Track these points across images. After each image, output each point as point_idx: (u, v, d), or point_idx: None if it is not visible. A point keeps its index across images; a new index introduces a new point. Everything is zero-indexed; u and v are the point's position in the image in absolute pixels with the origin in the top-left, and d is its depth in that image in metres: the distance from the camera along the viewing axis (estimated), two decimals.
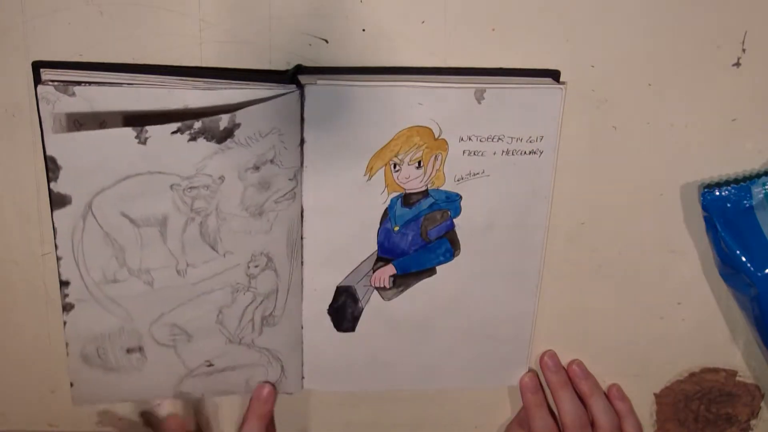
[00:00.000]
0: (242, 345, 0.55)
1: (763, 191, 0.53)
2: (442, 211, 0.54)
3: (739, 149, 0.54)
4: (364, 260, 0.55)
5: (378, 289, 0.56)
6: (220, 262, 0.52)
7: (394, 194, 0.53)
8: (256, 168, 0.49)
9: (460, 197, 0.53)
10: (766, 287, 0.52)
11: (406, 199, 0.53)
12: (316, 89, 0.49)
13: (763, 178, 0.53)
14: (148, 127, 0.46)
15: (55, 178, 0.47)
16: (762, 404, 0.62)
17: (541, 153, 0.52)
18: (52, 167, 0.47)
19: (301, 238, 0.53)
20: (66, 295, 0.51)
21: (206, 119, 0.47)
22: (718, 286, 0.57)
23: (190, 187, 0.49)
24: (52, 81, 0.47)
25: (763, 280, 0.52)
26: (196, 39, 0.50)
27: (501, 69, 0.51)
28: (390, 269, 0.55)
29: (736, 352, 0.60)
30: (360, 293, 0.56)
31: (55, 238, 0.49)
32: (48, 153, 0.47)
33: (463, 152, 0.52)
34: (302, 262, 0.54)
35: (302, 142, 0.50)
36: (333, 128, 0.50)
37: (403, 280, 0.56)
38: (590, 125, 0.53)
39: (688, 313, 0.58)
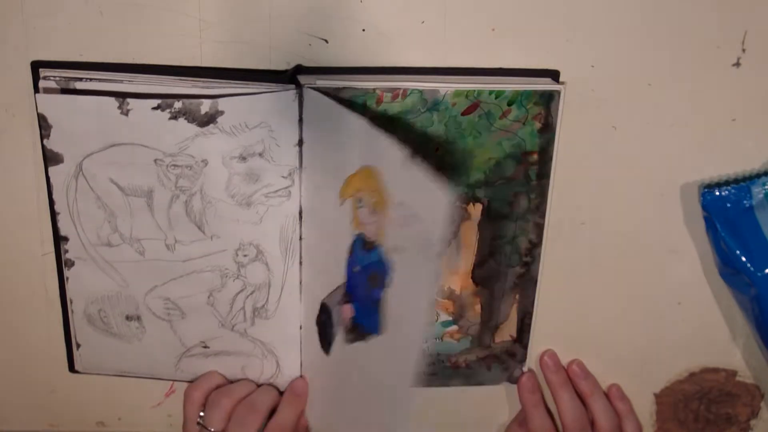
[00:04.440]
0: (235, 332, 0.56)
1: (763, 191, 0.53)
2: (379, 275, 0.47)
3: (739, 149, 0.54)
4: (340, 285, 0.51)
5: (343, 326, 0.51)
6: (207, 243, 0.53)
7: (357, 231, 0.48)
8: (243, 158, 0.50)
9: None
10: (766, 287, 0.52)
11: (365, 242, 0.48)
12: (315, 90, 0.49)
13: (763, 178, 0.53)
14: (129, 100, 0.48)
15: (47, 135, 0.50)
16: (762, 404, 0.62)
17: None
18: (43, 125, 0.50)
19: (300, 238, 0.53)
20: (66, 251, 0.54)
21: (186, 101, 0.48)
22: (718, 286, 0.57)
23: (174, 165, 0.50)
24: (53, 77, 0.49)
25: (763, 280, 0.52)
26: (196, 39, 0.50)
27: (501, 69, 0.51)
28: (349, 310, 0.50)
29: (736, 352, 0.60)
30: (335, 318, 0.52)
31: (51, 195, 0.52)
32: (38, 111, 0.49)
33: None
34: (300, 263, 0.54)
35: (301, 142, 0.50)
36: (332, 129, 0.50)
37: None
38: (590, 125, 0.53)
39: (688, 313, 0.58)
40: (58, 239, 0.53)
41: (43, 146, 0.50)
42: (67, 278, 0.55)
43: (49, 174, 0.51)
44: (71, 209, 0.52)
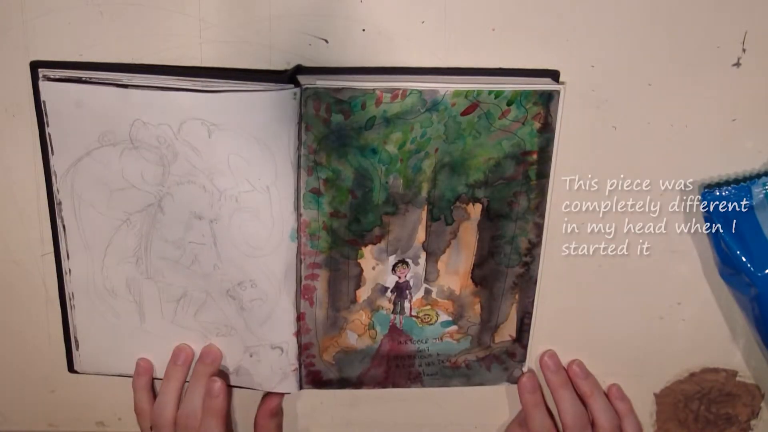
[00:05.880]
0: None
1: (764, 191, 0.53)
2: None
3: (739, 149, 0.54)
4: None
5: None
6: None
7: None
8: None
9: None
10: (766, 287, 0.52)
11: None
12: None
13: (764, 178, 0.53)
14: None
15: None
16: (762, 404, 0.62)
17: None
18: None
19: (298, 230, 0.53)
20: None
21: None
22: (718, 286, 0.57)
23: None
24: (53, 76, 0.49)
25: (763, 280, 0.52)
26: (196, 39, 0.50)
27: (501, 69, 0.51)
28: None
29: (736, 352, 0.60)
30: None
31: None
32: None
33: None
34: (301, 261, 0.54)
35: (300, 141, 0.50)
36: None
37: None
38: (590, 125, 0.53)
39: (688, 313, 0.58)
40: (56, 235, 0.53)
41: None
42: (69, 270, 0.54)
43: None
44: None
